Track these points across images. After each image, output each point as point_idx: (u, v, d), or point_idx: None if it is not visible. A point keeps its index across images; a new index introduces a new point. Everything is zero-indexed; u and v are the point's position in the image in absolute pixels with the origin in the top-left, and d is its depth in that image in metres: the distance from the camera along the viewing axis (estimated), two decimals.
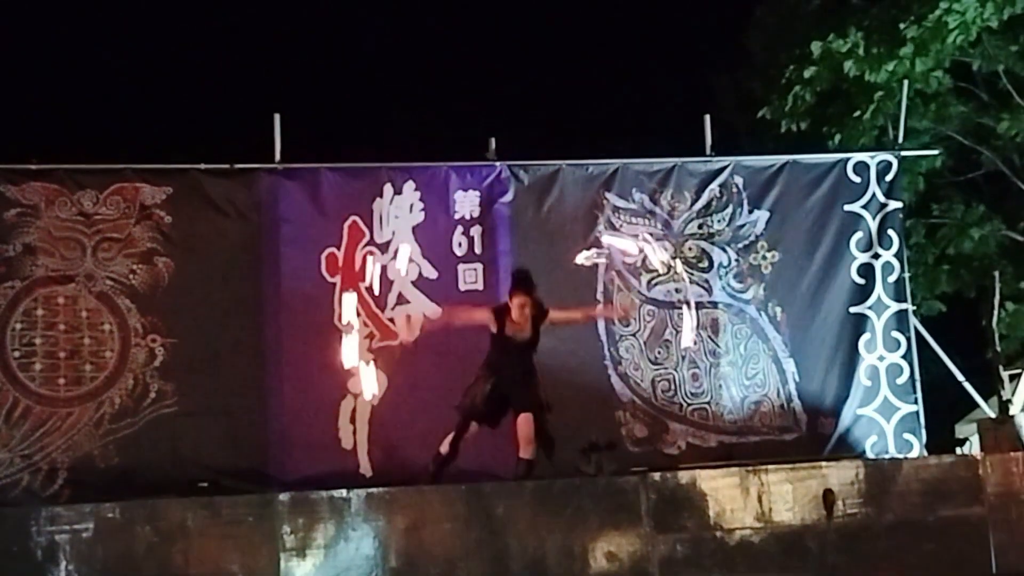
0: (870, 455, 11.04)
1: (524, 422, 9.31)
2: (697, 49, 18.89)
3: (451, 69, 19.77)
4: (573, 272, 10.88)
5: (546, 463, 9.41)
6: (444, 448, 9.40)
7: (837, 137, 14.17)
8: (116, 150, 10.98)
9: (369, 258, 10.62)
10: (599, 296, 11.03)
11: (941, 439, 12.17)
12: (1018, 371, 16.41)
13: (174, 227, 10.38)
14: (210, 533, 8.29)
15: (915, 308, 12.04)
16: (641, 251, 10.52)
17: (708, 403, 11.10)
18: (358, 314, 10.53)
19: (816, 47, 13.71)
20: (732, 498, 8.92)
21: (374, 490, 8.75)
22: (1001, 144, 15.02)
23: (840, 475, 9.13)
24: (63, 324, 10.15)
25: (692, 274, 11.21)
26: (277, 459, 10.28)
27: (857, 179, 11.56)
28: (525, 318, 9.47)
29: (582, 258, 10.26)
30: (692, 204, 11.33)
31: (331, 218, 10.73)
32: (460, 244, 10.84)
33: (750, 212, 11.41)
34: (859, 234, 11.49)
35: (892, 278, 11.51)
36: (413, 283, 10.72)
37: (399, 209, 10.82)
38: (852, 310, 11.43)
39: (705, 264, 11.28)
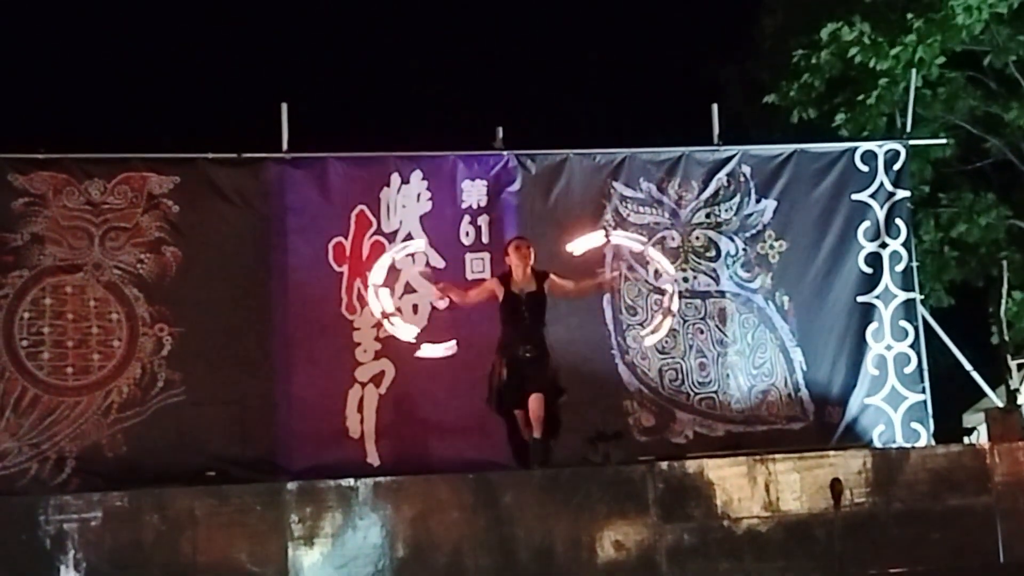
0: (877, 444, 11.03)
1: (536, 402, 9.34)
2: (704, 38, 18.85)
3: (458, 58, 19.75)
4: (580, 261, 10.90)
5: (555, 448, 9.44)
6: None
7: (840, 116, 14.14)
8: (123, 139, 10.99)
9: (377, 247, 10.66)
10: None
11: (949, 428, 12.16)
12: None
13: (182, 216, 10.39)
14: (218, 522, 8.32)
15: (923, 297, 12.02)
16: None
17: (715, 392, 11.09)
18: (365, 303, 10.55)
19: (825, 32, 13.70)
20: (739, 487, 8.93)
21: (381, 479, 8.78)
22: (1009, 133, 15.00)
23: (847, 464, 9.14)
24: (71, 313, 10.15)
25: (699, 263, 11.22)
26: (285, 448, 10.28)
27: (865, 168, 11.54)
28: (526, 267, 9.60)
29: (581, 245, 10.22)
30: (699, 193, 11.32)
31: (338, 207, 10.72)
32: (467, 233, 10.84)
33: (758, 201, 11.39)
34: (867, 223, 11.47)
35: (900, 267, 11.49)
36: (420, 272, 10.72)
37: (406, 198, 10.81)
38: (860, 299, 11.41)
39: (712, 253, 11.27)
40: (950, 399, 13.57)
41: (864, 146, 11.74)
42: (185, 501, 8.37)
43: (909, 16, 13.23)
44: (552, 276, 9.74)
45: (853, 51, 13.57)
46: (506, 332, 9.62)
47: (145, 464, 9.85)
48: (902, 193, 11.57)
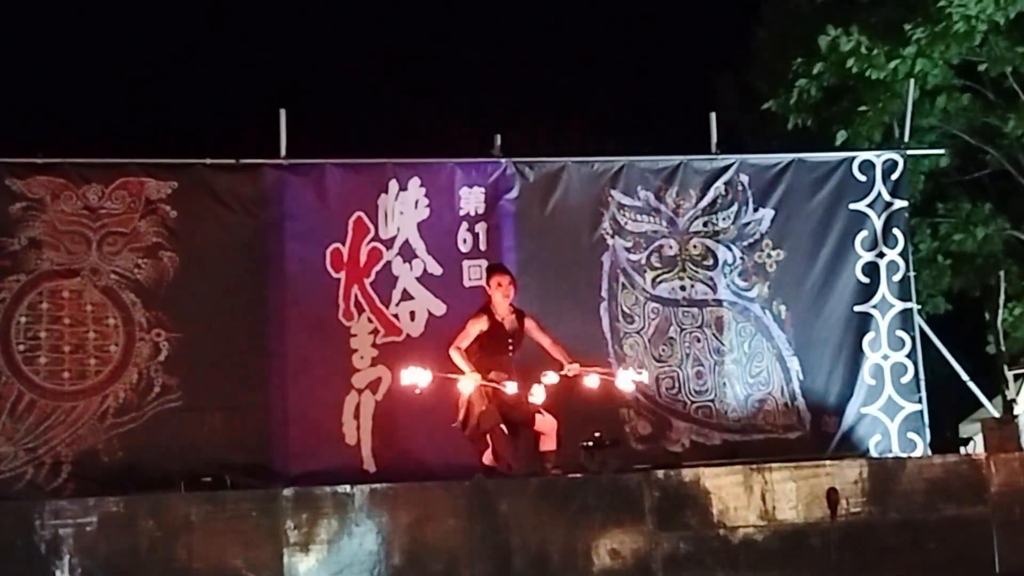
0: (874, 454, 11.02)
1: (544, 419, 9.41)
2: (702, 47, 18.90)
3: (457, 65, 19.79)
4: (577, 269, 10.91)
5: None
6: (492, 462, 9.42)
7: (840, 133, 14.16)
8: (121, 144, 10.99)
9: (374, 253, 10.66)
10: (603, 293, 11.04)
11: (945, 438, 12.16)
12: (1022, 370, 16.44)
13: (179, 222, 10.37)
14: (214, 528, 8.30)
15: (920, 307, 12.02)
16: None
17: (712, 401, 11.09)
18: (362, 309, 10.56)
19: (823, 41, 13.72)
20: (736, 496, 8.92)
21: (378, 486, 8.76)
22: (1007, 143, 15.02)
23: (844, 474, 9.13)
24: (68, 318, 10.14)
25: (697, 272, 11.22)
26: (281, 454, 10.27)
27: (863, 178, 11.54)
28: (508, 300, 9.57)
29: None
30: (697, 202, 11.32)
31: (336, 213, 10.72)
32: (465, 240, 10.84)
33: (755, 210, 11.39)
34: (864, 233, 11.47)
35: (897, 277, 11.49)
36: (417, 279, 10.72)
37: (404, 205, 10.81)
38: (856, 309, 11.41)
39: (710, 262, 11.26)
40: (946, 409, 13.60)
41: (862, 156, 11.75)
42: (181, 507, 8.36)
43: (907, 27, 13.24)
44: (531, 320, 9.72)
45: (850, 62, 13.58)
46: (486, 362, 9.55)
47: (141, 469, 9.82)
48: (900, 203, 11.58)
